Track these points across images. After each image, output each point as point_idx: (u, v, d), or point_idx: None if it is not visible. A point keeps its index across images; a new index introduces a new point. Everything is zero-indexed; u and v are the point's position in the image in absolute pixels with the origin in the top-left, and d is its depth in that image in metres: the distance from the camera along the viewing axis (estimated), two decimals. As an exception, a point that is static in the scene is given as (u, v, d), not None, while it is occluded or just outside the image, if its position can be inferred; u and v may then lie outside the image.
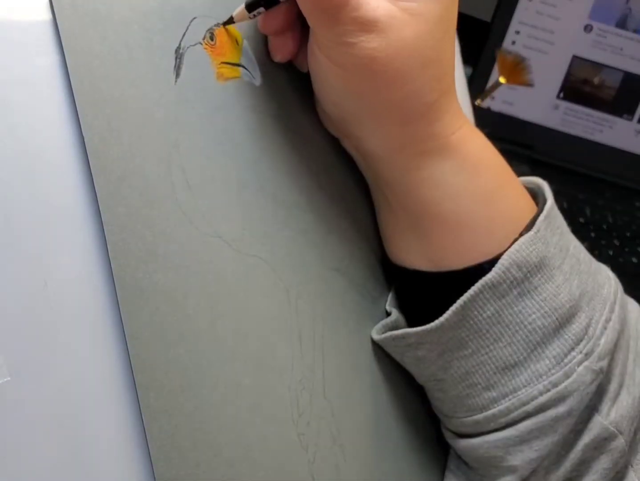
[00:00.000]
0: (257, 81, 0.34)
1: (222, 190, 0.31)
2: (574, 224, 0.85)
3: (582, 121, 0.92)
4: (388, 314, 0.38)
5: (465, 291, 0.33)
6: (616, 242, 0.84)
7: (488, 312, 0.33)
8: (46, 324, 0.25)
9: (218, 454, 0.28)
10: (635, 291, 0.78)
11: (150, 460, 0.26)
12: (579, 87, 0.91)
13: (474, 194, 0.33)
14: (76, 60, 0.27)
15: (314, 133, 0.36)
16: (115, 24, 0.28)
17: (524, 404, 0.33)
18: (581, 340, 0.33)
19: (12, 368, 0.24)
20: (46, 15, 0.27)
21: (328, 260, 0.35)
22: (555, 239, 0.34)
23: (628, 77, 0.90)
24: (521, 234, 0.33)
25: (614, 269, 0.87)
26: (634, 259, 0.82)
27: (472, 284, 0.33)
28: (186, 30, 0.30)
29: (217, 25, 0.32)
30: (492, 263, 0.33)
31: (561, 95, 0.91)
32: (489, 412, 0.34)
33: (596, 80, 0.91)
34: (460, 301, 0.33)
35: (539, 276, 0.33)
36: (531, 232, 0.33)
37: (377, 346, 0.37)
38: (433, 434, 0.39)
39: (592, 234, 0.84)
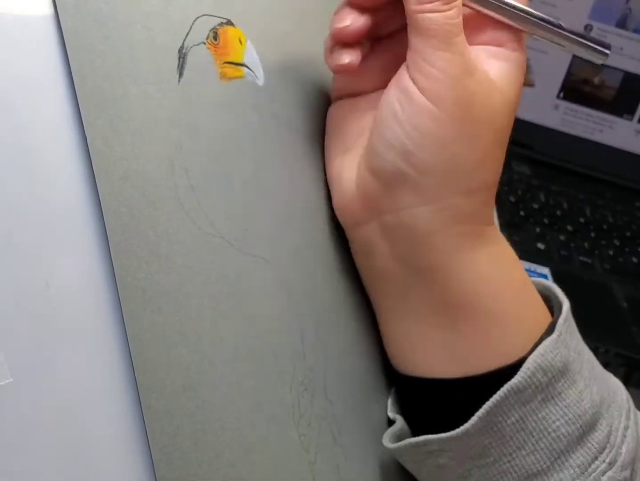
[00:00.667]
0: (261, 81, 0.33)
1: (224, 190, 0.31)
2: (574, 224, 0.85)
3: (582, 121, 0.92)
4: (390, 421, 0.36)
5: (482, 396, 0.32)
6: (616, 242, 0.84)
7: (512, 418, 0.32)
8: (48, 325, 0.25)
9: (220, 455, 0.28)
10: (636, 291, 0.78)
11: (152, 461, 0.26)
12: (579, 87, 0.91)
13: (508, 287, 0.33)
14: (79, 60, 0.26)
15: (316, 133, 0.36)
16: (118, 23, 0.28)
17: None
18: (604, 449, 0.33)
19: (14, 369, 0.24)
20: (48, 13, 0.27)
21: (331, 260, 0.35)
22: (574, 343, 0.34)
23: (628, 77, 0.90)
24: (542, 338, 0.33)
25: (614, 269, 0.87)
26: (634, 259, 0.82)
27: (491, 389, 0.32)
28: (189, 30, 0.30)
29: (221, 24, 0.32)
30: (514, 367, 0.32)
31: (561, 95, 0.91)
32: None
33: (596, 80, 0.91)
34: (485, 407, 0.32)
35: (563, 381, 0.32)
36: (554, 336, 0.33)
37: (379, 345, 0.37)
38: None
39: (592, 234, 0.84)
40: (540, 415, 0.32)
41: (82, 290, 0.26)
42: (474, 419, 0.32)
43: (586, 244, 0.82)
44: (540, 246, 0.80)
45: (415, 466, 0.35)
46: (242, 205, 0.31)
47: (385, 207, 0.33)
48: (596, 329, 0.71)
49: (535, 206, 0.86)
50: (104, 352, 0.26)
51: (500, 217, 0.54)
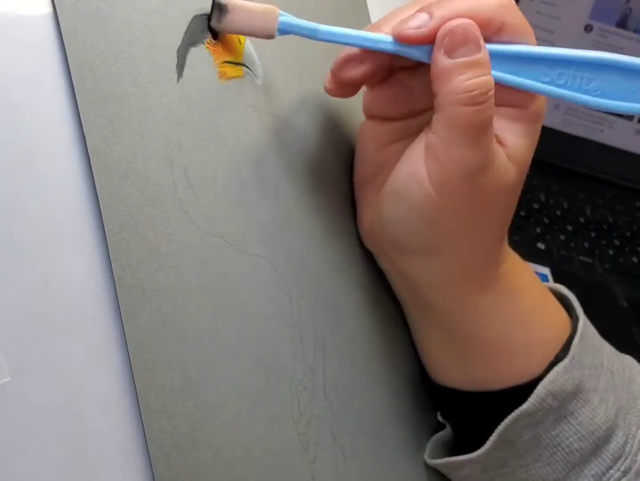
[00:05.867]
0: (259, 80, 0.33)
1: (223, 189, 0.31)
2: (574, 224, 0.85)
3: (582, 120, 0.92)
4: (442, 424, 0.38)
5: (503, 410, 0.33)
6: (616, 242, 0.84)
7: (526, 437, 0.34)
8: (47, 324, 0.25)
9: (218, 454, 0.28)
10: (636, 291, 0.78)
11: (150, 460, 0.26)
12: (579, 87, 0.91)
13: (514, 320, 0.34)
14: (78, 59, 0.26)
15: (315, 132, 0.36)
16: (117, 22, 0.28)
17: None
18: (619, 458, 0.34)
19: (13, 369, 0.24)
20: (48, 12, 0.27)
21: (330, 259, 0.35)
22: (589, 359, 0.35)
23: (628, 77, 0.90)
24: (557, 357, 0.34)
25: (614, 269, 0.87)
26: (634, 259, 0.82)
27: (510, 404, 0.33)
28: (188, 29, 0.30)
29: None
30: (529, 385, 0.34)
31: (561, 95, 0.91)
32: None
33: (596, 80, 0.90)
34: (498, 431, 0.34)
35: (575, 401, 0.34)
36: (566, 360, 0.34)
37: (378, 345, 0.37)
38: (433, 432, 0.39)
39: (592, 234, 0.84)
40: (553, 433, 0.34)
41: (81, 289, 0.26)
42: (488, 443, 0.34)
43: (586, 244, 0.82)
44: (540, 246, 0.80)
45: (447, 472, 0.38)
46: (241, 205, 0.31)
47: (390, 255, 0.35)
48: (596, 329, 0.70)
49: (535, 206, 0.86)
50: (103, 351, 0.26)
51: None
